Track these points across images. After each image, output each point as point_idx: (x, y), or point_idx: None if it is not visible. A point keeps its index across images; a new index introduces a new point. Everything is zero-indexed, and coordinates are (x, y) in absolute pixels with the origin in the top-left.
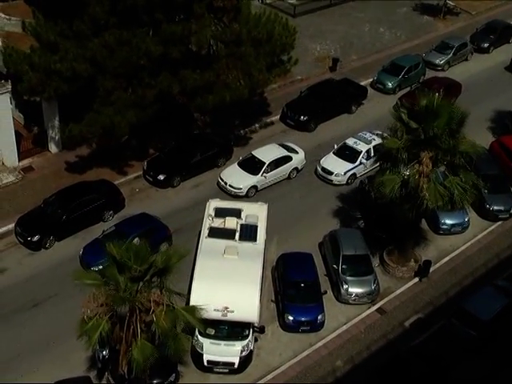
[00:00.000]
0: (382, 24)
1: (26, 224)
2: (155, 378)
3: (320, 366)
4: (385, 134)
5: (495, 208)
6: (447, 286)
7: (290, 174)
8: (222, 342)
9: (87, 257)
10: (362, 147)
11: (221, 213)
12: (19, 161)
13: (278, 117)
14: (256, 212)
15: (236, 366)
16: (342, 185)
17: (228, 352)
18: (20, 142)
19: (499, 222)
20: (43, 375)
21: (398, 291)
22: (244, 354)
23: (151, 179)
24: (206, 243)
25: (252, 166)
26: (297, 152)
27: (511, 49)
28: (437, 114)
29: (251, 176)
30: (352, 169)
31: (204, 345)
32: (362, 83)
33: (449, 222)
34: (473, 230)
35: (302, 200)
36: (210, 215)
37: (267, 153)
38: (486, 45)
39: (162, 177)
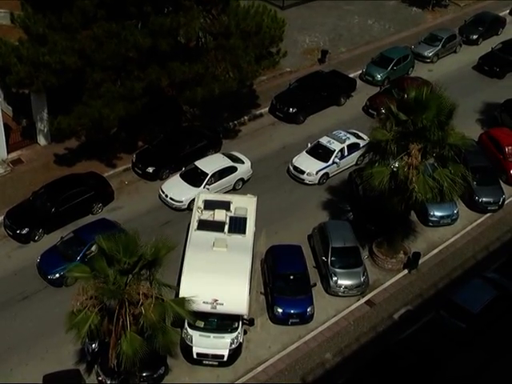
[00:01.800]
0: (370, 16)
1: (14, 217)
2: (144, 371)
3: (309, 359)
4: (360, 134)
5: (484, 200)
6: (436, 278)
7: (235, 185)
8: (212, 335)
9: (45, 265)
10: (336, 146)
11: (210, 205)
12: (8, 153)
13: (267, 109)
14: (245, 204)
15: (225, 358)
16: (314, 185)
17: (217, 344)
18: (9, 135)
19: (488, 214)
20: (33, 368)
21: (387, 283)
22: (233, 346)
23: (140, 172)
24: (195, 236)
25: (194, 177)
26: (243, 162)
27: (500, 41)
28: (426, 106)
29: (193, 188)
30: (324, 168)
31: (193, 337)
32: (351, 75)
33: (438, 214)
34: (462, 222)
35: (291, 192)
36: (200, 207)
37: (211, 163)
38: (474, 37)
39: (150, 169)
